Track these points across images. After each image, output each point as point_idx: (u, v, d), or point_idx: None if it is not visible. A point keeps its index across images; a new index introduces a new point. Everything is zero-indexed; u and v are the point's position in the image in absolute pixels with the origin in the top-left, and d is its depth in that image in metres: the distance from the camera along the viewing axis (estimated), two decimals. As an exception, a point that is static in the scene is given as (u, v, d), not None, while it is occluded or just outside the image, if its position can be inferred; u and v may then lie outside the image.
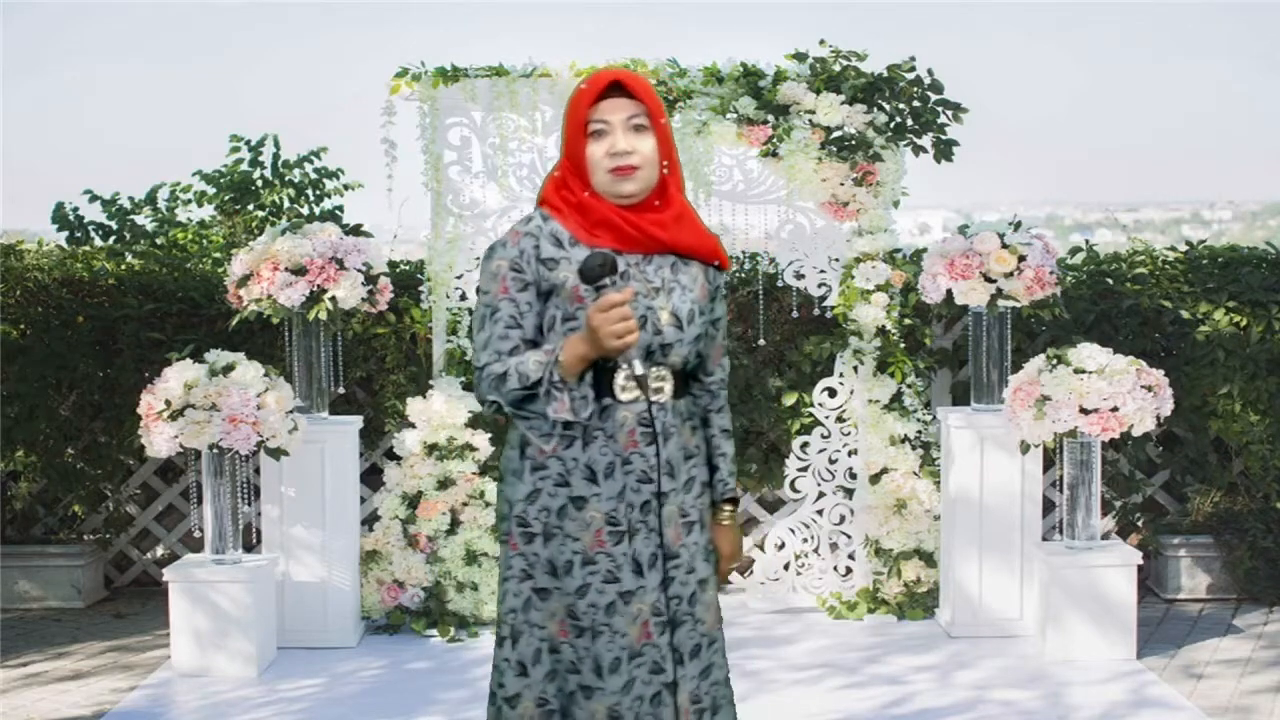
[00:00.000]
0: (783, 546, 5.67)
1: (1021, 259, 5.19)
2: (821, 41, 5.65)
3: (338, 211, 7.44)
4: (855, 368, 5.59)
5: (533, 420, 2.64)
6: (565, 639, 2.68)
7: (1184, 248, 6.12)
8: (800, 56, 5.60)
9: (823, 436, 5.67)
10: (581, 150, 2.66)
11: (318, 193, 7.51)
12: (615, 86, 2.66)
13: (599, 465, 2.66)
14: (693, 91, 5.49)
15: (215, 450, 4.78)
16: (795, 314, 5.72)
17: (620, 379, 2.64)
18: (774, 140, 5.46)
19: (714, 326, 2.80)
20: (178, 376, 4.77)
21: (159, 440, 4.73)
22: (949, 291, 5.26)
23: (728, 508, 2.86)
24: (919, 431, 5.55)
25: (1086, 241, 6.21)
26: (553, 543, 2.68)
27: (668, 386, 2.70)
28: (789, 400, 5.73)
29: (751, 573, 5.73)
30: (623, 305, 2.53)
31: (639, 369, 2.57)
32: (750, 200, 5.62)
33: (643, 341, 2.64)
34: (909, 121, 5.62)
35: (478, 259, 5.56)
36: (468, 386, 5.52)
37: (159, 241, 7.16)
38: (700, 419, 2.82)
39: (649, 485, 2.67)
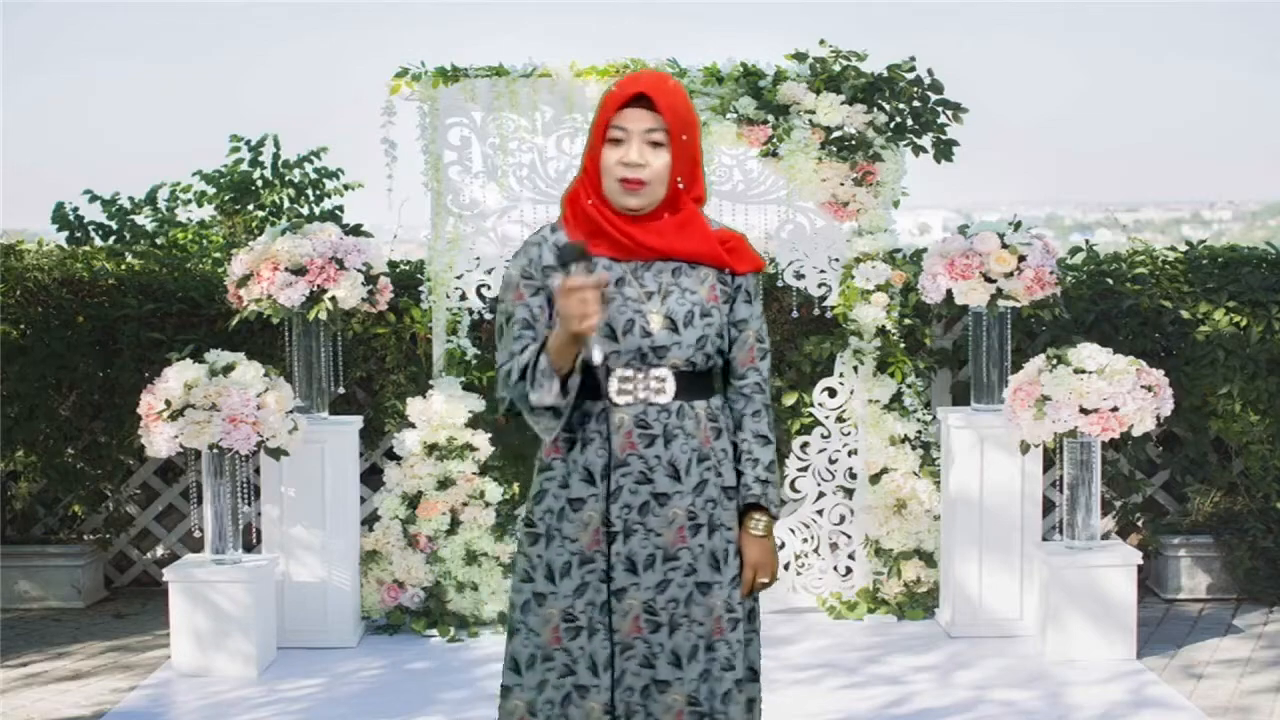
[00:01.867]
0: (783, 546, 5.66)
1: (1021, 259, 5.19)
2: (821, 41, 5.65)
3: (338, 211, 7.43)
4: (855, 368, 5.59)
5: (535, 413, 2.68)
6: (558, 645, 2.71)
7: (1184, 248, 6.11)
8: (800, 56, 5.60)
9: (823, 436, 5.67)
10: (599, 153, 2.72)
11: (318, 193, 7.50)
12: (642, 97, 2.70)
13: (596, 468, 2.70)
14: (693, 91, 5.48)
15: (215, 450, 4.78)
16: (795, 314, 5.72)
17: (614, 383, 2.69)
18: (774, 140, 5.46)
19: (736, 329, 2.80)
20: (178, 376, 4.77)
21: (159, 440, 4.74)
22: (949, 291, 5.26)
23: (756, 516, 2.77)
24: (919, 431, 5.54)
25: (1086, 241, 6.20)
26: (552, 545, 2.73)
27: (668, 388, 2.71)
28: (789, 400, 5.73)
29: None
30: (582, 290, 2.54)
31: (596, 357, 2.59)
32: (750, 200, 5.62)
33: (633, 344, 2.69)
34: (909, 121, 5.62)
35: (478, 259, 5.58)
36: (468, 386, 5.52)
37: (159, 241, 7.16)
38: (735, 423, 2.80)
39: (646, 486, 2.70)
